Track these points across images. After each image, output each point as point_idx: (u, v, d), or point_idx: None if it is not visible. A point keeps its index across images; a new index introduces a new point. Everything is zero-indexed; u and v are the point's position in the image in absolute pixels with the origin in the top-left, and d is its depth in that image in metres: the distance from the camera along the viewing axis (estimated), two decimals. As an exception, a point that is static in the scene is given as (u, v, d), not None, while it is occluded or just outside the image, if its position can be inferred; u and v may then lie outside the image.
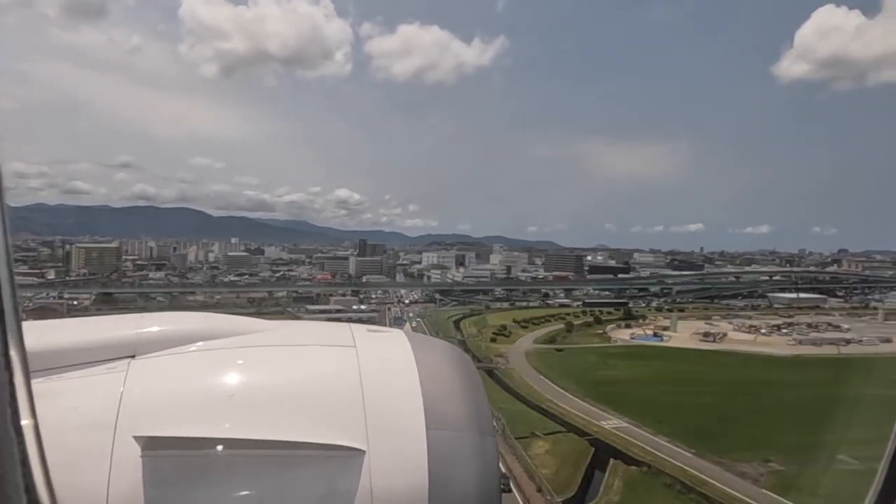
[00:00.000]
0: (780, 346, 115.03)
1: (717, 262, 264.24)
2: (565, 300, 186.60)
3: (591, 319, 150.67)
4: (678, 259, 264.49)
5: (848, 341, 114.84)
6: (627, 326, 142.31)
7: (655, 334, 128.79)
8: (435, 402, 2.46)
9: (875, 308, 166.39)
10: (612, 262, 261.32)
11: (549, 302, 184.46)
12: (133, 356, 2.51)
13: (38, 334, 2.51)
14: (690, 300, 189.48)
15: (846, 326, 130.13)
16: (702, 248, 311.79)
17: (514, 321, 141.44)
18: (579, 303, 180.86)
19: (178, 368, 2.50)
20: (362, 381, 2.45)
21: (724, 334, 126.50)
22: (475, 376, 2.76)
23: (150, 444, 2.16)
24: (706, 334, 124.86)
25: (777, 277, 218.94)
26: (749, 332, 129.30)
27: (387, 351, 2.72)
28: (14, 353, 1.43)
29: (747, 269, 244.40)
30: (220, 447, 2.21)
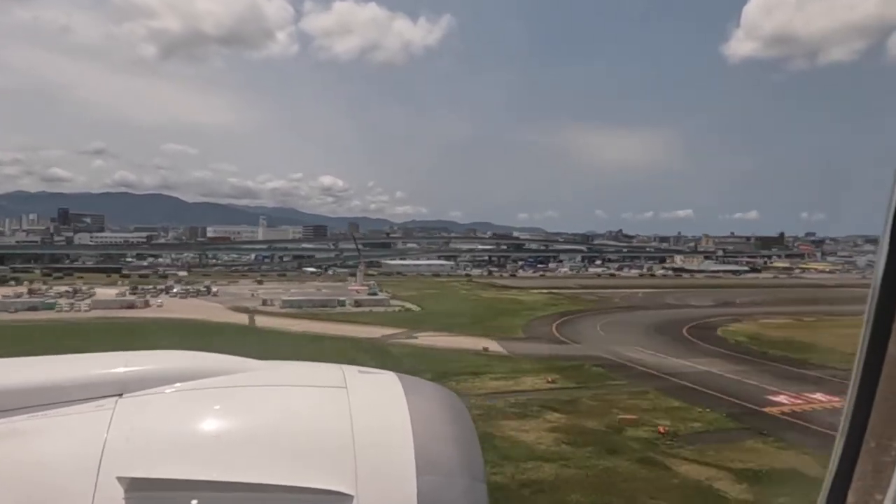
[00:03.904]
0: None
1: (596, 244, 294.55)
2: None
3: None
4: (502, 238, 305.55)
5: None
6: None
7: None
8: (426, 446, 2.35)
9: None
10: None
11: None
12: (121, 395, 2.41)
13: (26, 370, 2.46)
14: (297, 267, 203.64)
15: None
16: (679, 233, 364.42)
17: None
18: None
19: (166, 408, 2.40)
20: (352, 424, 2.35)
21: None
22: (467, 420, 2.66)
23: (135, 486, 2.06)
24: None
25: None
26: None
27: (378, 393, 2.62)
28: None
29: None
30: (206, 490, 2.11)
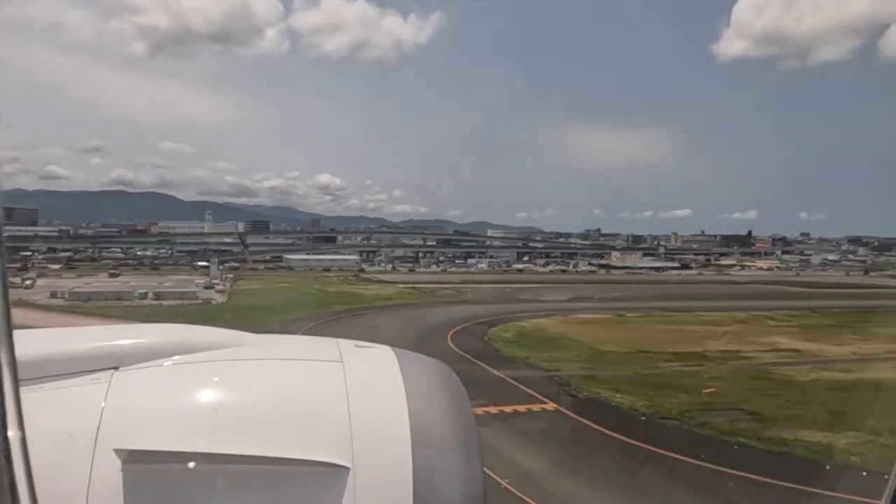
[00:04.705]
0: None
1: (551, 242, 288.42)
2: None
3: None
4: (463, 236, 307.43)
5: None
6: None
7: None
8: (421, 420, 2.38)
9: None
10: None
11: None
12: (117, 367, 2.40)
13: (21, 343, 2.14)
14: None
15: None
16: (674, 232, 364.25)
17: None
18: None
19: (162, 381, 2.40)
20: (348, 398, 2.37)
21: None
22: (462, 394, 2.69)
23: (132, 458, 2.07)
24: None
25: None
26: None
27: (374, 367, 2.63)
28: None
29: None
30: (203, 462, 2.12)
